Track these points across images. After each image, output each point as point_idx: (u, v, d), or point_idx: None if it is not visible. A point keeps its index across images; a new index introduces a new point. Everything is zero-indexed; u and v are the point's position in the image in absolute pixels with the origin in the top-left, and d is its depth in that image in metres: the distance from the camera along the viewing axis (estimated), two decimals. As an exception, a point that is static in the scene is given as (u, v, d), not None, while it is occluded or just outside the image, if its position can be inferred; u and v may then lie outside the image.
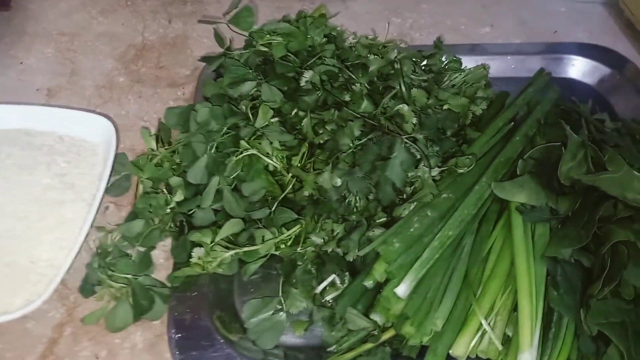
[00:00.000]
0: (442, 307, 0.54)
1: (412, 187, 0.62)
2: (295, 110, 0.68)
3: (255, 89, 0.70)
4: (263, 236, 0.61)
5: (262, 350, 0.59)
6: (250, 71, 0.70)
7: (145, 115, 0.83)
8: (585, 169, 0.60)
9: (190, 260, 0.59)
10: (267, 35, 0.72)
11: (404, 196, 0.63)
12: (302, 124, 0.66)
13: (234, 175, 0.65)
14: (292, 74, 0.70)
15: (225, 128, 0.66)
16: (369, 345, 0.56)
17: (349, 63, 0.74)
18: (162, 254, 0.67)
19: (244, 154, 0.64)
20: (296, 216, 0.63)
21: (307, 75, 0.68)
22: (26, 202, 0.67)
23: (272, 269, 0.65)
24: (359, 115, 0.64)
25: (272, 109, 0.67)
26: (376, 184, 0.62)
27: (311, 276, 0.61)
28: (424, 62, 0.78)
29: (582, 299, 0.53)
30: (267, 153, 0.65)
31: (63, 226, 0.64)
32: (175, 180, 0.64)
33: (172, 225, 0.66)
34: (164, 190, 0.65)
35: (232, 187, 0.65)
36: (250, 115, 0.67)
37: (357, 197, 0.62)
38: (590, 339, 0.51)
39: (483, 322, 0.54)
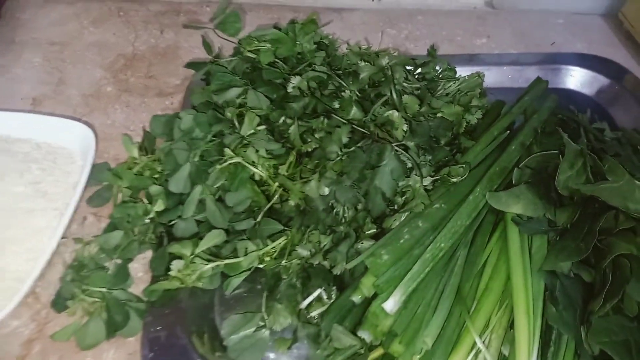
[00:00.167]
0: (433, 323, 0.52)
1: (403, 198, 0.60)
2: (283, 118, 0.66)
3: (243, 97, 0.68)
4: (246, 248, 0.58)
5: (243, 370, 0.56)
6: (237, 78, 0.68)
7: (132, 125, 0.81)
8: (584, 178, 0.58)
9: (169, 273, 0.56)
10: (256, 42, 0.70)
11: (395, 207, 0.60)
12: (290, 132, 0.64)
13: (218, 184, 0.63)
14: (281, 80, 0.68)
15: (209, 135, 0.64)
16: (356, 365, 0.53)
17: (340, 72, 0.72)
18: (141, 267, 0.64)
19: (228, 162, 0.62)
20: (282, 227, 0.61)
21: (295, 80, 0.66)
22: (-6, 211, 0.64)
23: (258, 284, 0.62)
24: (347, 122, 0.62)
25: (259, 116, 0.65)
26: (365, 194, 0.59)
27: (296, 290, 0.59)
28: (418, 71, 0.76)
29: (582, 316, 0.51)
30: (253, 162, 0.63)
31: (33, 236, 0.61)
32: (155, 189, 0.62)
33: (152, 237, 0.63)
34: (145, 200, 0.63)
35: (216, 197, 0.63)
36: (237, 123, 0.65)
37: (345, 207, 0.60)
38: (591, 358, 0.49)
39: (477, 340, 0.51)
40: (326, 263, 0.58)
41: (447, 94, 0.73)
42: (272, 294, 0.58)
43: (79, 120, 0.78)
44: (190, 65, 0.74)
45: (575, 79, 0.88)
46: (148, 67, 0.91)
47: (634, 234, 0.52)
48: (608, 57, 0.90)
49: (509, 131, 0.68)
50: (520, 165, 0.61)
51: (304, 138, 0.65)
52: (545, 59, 0.89)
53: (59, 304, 0.59)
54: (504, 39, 0.97)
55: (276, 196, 0.63)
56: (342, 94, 0.67)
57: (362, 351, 0.54)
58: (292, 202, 0.61)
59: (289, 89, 0.67)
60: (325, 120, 0.65)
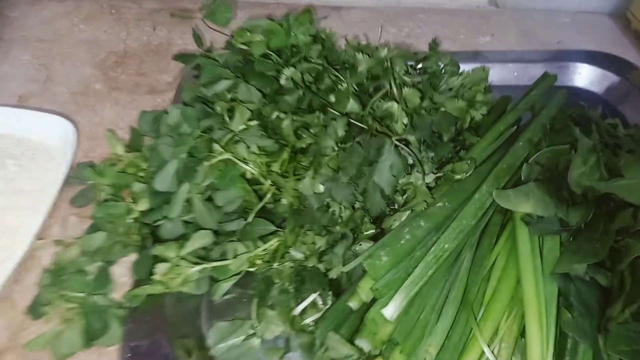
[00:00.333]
0: (437, 331, 0.48)
1: (403, 196, 0.56)
2: (276, 113, 0.62)
3: (234, 91, 0.64)
4: (236, 250, 0.55)
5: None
6: (228, 70, 0.64)
7: (121, 123, 0.78)
8: (598, 175, 0.55)
9: (152, 277, 0.53)
10: (248, 33, 0.67)
11: (395, 206, 0.56)
12: (283, 127, 0.60)
13: (207, 182, 0.60)
14: (274, 73, 0.65)
15: (198, 131, 0.60)
16: (353, 376, 0.50)
17: (338, 66, 0.69)
18: (125, 271, 0.60)
19: (218, 159, 0.59)
20: (275, 228, 0.58)
21: (288, 72, 0.63)
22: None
23: (248, 289, 0.59)
24: (344, 115, 0.58)
25: (250, 110, 0.62)
26: (363, 191, 0.56)
27: (289, 296, 0.55)
28: (419, 66, 0.73)
29: (599, 323, 0.47)
30: (244, 158, 0.60)
31: (5, 236, 0.57)
32: (138, 187, 0.58)
33: (137, 239, 0.59)
34: (128, 199, 0.59)
35: (204, 196, 0.59)
36: (227, 118, 0.62)
37: (342, 206, 0.56)
38: (611, 369, 0.45)
39: (485, 349, 0.48)
40: (321, 266, 0.55)
41: (450, 89, 0.69)
42: (264, 299, 0.56)
43: (54, 112, 0.75)
44: (179, 57, 0.71)
45: (583, 76, 0.85)
46: (139, 65, 0.89)
47: (653, 234, 0.49)
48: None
49: (516, 127, 0.64)
50: (529, 161, 0.57)
51: (298, 134, 0.62)
52: (552, 56, 0.86)
53: (36, 310, 0.56)
54: (508, 38, 0.95)
55: (268, 195, 0.60)
56: (339, 86, 0.63)
57: (360, 362, 0.50)
58: (285, 201, 0.58)
59: (282, 82, 0.64)
60: (321, 115, 0.61)
